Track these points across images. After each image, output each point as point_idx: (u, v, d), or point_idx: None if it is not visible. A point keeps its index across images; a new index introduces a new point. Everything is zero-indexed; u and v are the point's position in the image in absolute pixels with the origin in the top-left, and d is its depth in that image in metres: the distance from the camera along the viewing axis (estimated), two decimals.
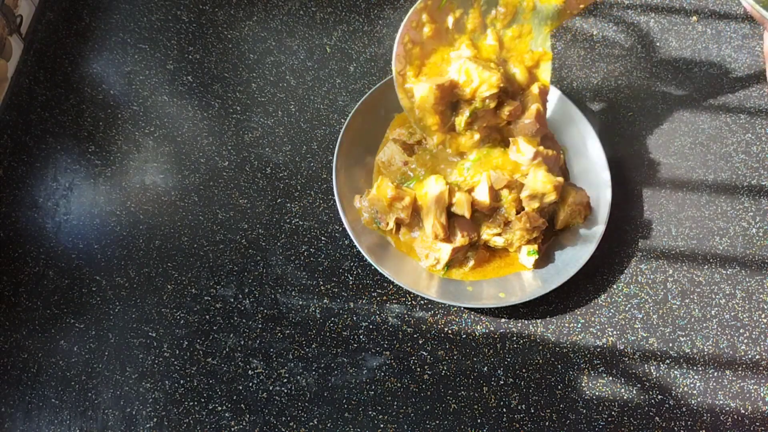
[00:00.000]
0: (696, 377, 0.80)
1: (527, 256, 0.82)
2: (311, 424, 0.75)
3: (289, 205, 0.86)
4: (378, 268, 0.79)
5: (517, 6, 0.79)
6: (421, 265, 0.82)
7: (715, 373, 0.80)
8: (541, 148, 0.80)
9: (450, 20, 0.78)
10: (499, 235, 0.82)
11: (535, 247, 0.82)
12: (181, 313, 0.79)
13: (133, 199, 0.85)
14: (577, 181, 0.87)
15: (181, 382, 0.76)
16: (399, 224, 0.83)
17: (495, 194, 0.80)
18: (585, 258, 0.81)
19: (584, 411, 0.77)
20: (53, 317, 0.78)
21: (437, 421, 0.76)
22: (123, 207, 0.84)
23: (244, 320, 0.79)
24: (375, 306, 0.81)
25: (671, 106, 0.95)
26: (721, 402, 0.79)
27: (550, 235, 0.85)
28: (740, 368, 0.80)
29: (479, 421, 0.76)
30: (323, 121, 0.91)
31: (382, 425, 0.76)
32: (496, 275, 0.82)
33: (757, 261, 0.86)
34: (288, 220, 0.85)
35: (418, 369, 0.78)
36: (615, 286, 0.84)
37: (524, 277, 0.83)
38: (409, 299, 0.82)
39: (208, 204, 0.85)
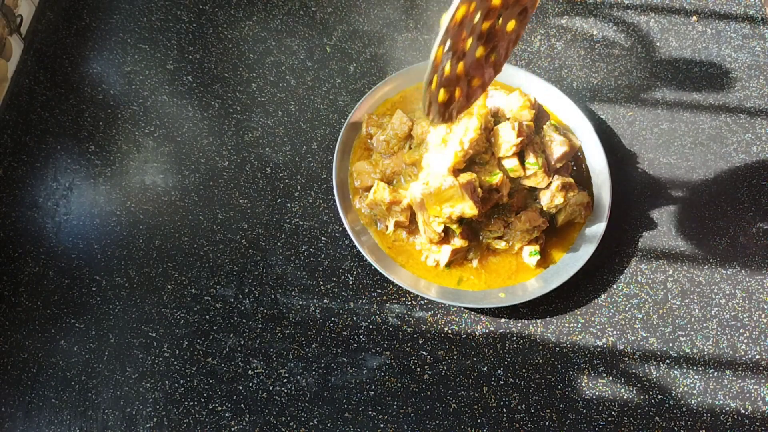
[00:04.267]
0: (696, 377, 0.80)
1: (529, 256, 0.82)
2: (311, 424, 0.75)
3: (289, 205, 0.86)
4: (378, 268, 0.79)
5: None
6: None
7: (715, 373, 0.80)
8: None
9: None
10: (500, 237, 0.82)
11: (537, 247, 0.82)
12: (181, 313, 0.79)
13: (133, 199, 0.85)
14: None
15: (181, 382, 0.76)
16: (399, 227, 0.83)
17: (480, 199, 0.79)
18: (585, 258, 0.81)
19: (584, 411, 0.77)
20: (53, 317, 0.78)
21: (437, 421, 0.76)
22: (123, 207, 0.84)
23: (244, 320, 0.79)
24: (375, 306, 0.81)
25: (671, 106, 0.95)
26: (721, 402, 0.79)
27: (550, 235, 0.85)
28: (740, 368, 0.80)
29: (479, 421, 0.76)
30: (323, 121, 0.91)
31: (382, 425, 0.76)
32: (503, 285, 0.82)
33: (757, 261, 0.86)
34: (288, 220, 0.85)
35: (418, 369, 0.78)
36: (615, 286, 0.84)
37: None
38: (409, 299, 0.82)
39: (208, 204, 0.85)
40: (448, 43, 0.60)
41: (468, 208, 0.76)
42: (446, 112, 0.66)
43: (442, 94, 0.64)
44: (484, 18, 0.63)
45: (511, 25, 0.66)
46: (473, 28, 0.62)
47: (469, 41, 0.63)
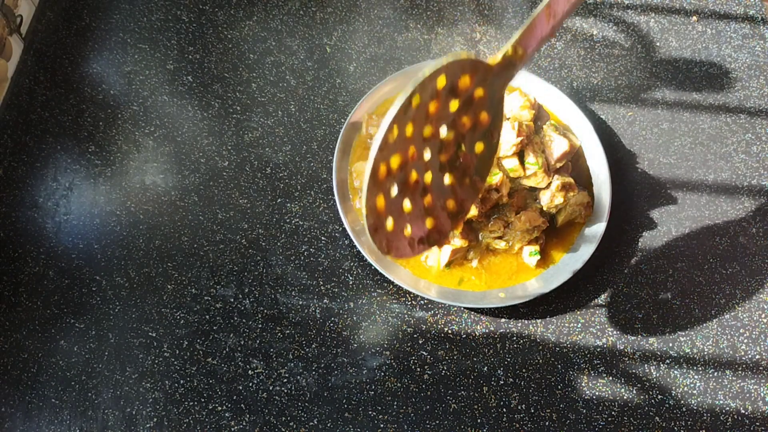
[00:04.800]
0: (696, 377, 0.80)
1: (529, 256, 0.82)
2: (311, 424, 0.75)
3: (289, 205, 0.86)
4: (378, 268, 0.79)
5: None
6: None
7: (715, 373, 0.80)
8: None
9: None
10: (500, 237, 0.82)
11: (537, 247, 0.82)
12: (181, 313, 0.79)
13: (133, 199, 0.85)
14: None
15: (181, 382, 0.76)
16: None
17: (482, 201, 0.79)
18: (585, 258, 0.81)
19: (584, 411, 0.77)
20: (53, 317, 0.78)
21: (437, 421, 0.76)
22: (123, 207, 0.84)
23: (244, 320, 0.79)
24: (375, 306, 0.81)
25: (671, 106, 0.95)
26: (721, 402, 0.79)
27: (550, 235, 0.85)
28: (740, 368, 0.80)
29: (479, 421, 0.76)
30: (323, 121, 0.91)
31: (382, 425, 0.76)
32: (503, 285, 0.82)
33: (757, 261, 0.86)
34: (288, 220, 0.85)
35: (418, 369, 0.78)
36: (615, 286, 0.84)
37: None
38: (409, 299, 0.82)
39: (208, 204, 0.85)
40: (395, 187, 0.57)
41: None
42: (419, 245, 0.62)
43: (408, 231, 0.60)
44: (440, 151, 0.59)
45: (479, 147, 0.63)
46: (427, 164, 0.59)
47: (428, 175, 0.60)
